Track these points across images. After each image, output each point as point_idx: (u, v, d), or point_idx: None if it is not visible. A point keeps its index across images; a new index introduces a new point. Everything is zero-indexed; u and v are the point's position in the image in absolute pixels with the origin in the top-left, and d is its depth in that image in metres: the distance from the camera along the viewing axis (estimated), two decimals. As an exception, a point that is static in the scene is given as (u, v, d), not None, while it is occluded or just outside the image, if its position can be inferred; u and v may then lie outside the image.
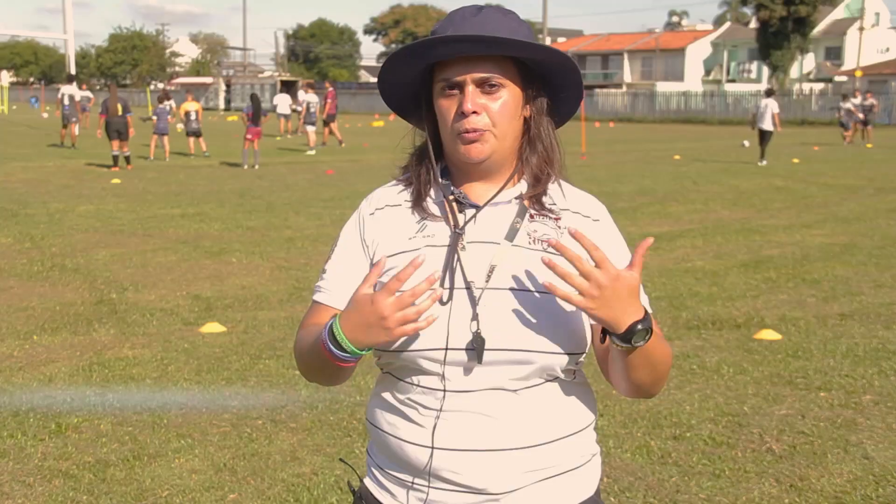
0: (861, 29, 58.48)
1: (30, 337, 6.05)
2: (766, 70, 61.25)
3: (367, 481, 1.64)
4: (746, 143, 27.42)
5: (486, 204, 1.56)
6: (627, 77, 75.30)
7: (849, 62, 62.61)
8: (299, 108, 27.86)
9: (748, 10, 64.54)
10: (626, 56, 76.33)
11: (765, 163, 20.35)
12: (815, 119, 45.42)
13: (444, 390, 1.49)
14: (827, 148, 26.86)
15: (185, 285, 7.60)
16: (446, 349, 1.47)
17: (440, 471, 1.50)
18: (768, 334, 6.07)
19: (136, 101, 53.33)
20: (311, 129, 24.68)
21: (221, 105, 62.86)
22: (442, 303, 1.49)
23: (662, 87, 61.15)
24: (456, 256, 1.52)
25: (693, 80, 69.68)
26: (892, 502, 3.66)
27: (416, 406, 1.52)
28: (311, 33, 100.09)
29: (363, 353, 1.45)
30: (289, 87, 48.66)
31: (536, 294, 1.50)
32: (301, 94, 29.02)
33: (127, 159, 18.77)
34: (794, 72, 61.28)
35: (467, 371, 1.48)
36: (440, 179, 1.59)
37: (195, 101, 22.93)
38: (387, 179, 1.70)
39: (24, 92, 79.72)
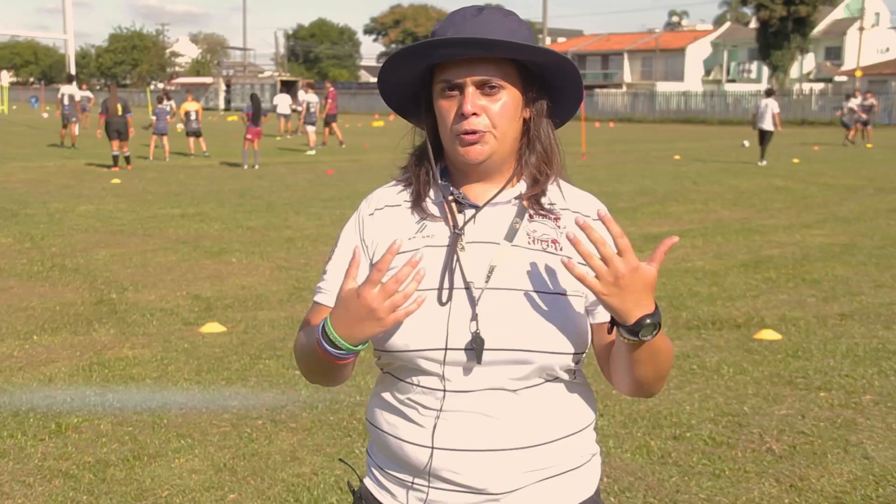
0: (861, 29, 58.51)
1: (30, 337, 6.05)
2: (766, 70, 61.27)
3: (367, 481, 1.64)
4: (746, 143, 27.43)
5: (485, 204, 1.56)
6: (627, 77, 75.31)
7: (849, 62, 62.63)
8: (299, 108, 27.88)
9: (748, 10, 64.55)
10: (626, 56, 76.34)
11: (765, 163, 20.35)
12: (815, 119, 45.42)
13: (444, 390, 1.49)
14: (827, 148, 26.86)
15: (185, 285, 7.60)
16: (446, 349, 1.47)
17: (440, 471, 1.50)
18: (768, 334, 6.07)
19: (136, 101, 53.34)
20: (311, 129, 24.68)
21: (221, 105, 62.87)
22: (441, 303, 1.49)
23: (662, 87, 61.16)
24: (455, 257, 1.52)
25: (693, 80, 69.69)
26: (892, 502, 3.66)
27: (416, 406, 1.53)
28: (311, 33, 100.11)
29: (359, 348, 1.45)
30: (289, 87, 48.68)
31: (536, 294, 1.50)
32: (301, 94, 29.04)
33: (127, 159, 18.77)
34: (794, 72, 61.29)
35: (467, 371, 1.48)
36: (439, 180, 1.59)
37: (195, 101, 22.94)
38: (387, 179, 1.70)
39: (24, 92, 79.72)
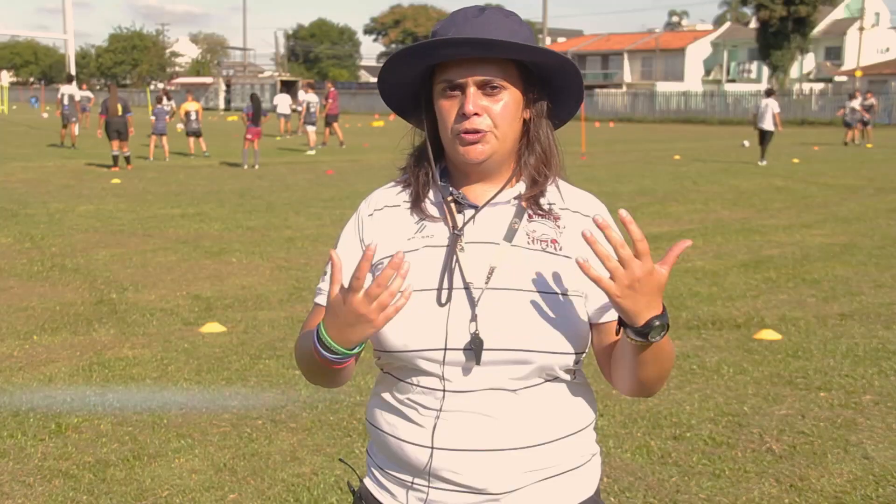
0: (861, 29, 58.52)
1: (30, 337, 6.05)
2: (766, 70, 61.28)
3: (367, 481, 1.64)
4: (746, 143, 27.43)
5: (484, 205, 1.56)
6: (627, 77, 75.31)
7: (849, 62, 62.63)
8: (299, 108, 27.88)
9: (748, 10, 64.56)
10: (626, 56, 76.34)
11: (765, 163, 20.36)
12: (815, 119, 45.41)
13: (444, 390, 1.49)
14: (827, 148, 26.87)
15: (185, 285, 7.60)
16: (445, 349, 1.47)
17: (440, 471, 1.50)
18: (768, 334, 6.07)
19: (136, 101, 53.37)
20: (311, 129, 24.69)
21: (221, 105, 62.88)
22: (441, 304, 1.49)
23: (662, 87, 61.15)
24: (455, 257, 1.52)
25: (693, 80, 69.69)
26: (892, 502, 3.66)
27: (416, 406, 1.53)
28: (311, 33, 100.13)
29: (354, 351, 1.45)
30: (289, 87, 48.71)
31: (536, 294, 1.50)
32: (301, 94, 29.03)
33: (127, 159, 18.78)
34: (794, 72, 61.30)
35: (466, 371, 1.48)
36: (439, 180, 1.59)
37: (195, 101, 22.93)
38: (387, 180, 1.70)
39: (24, 92, 79.73)
